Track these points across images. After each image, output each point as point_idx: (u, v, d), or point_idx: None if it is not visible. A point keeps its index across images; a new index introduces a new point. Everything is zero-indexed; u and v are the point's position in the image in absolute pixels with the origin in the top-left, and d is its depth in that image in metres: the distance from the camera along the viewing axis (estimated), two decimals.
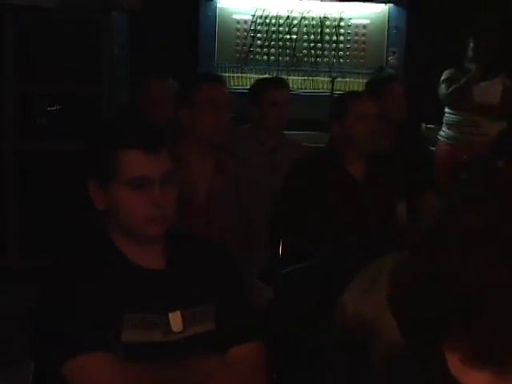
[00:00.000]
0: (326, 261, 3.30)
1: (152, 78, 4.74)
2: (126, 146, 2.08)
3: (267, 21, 6.90)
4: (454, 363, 0.98)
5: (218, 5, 6.85)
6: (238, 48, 6.91)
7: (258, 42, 6.90)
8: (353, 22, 6.95)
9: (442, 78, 5.96)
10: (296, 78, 6.89)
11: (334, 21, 6.92)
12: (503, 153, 4.41)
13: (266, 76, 6.39)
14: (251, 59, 6.91)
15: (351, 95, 4.19)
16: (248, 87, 5.17)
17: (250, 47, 6.88)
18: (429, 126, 6.46)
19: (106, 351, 2.00)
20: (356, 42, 6.95)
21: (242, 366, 2.14)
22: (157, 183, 2.08)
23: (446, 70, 5.98)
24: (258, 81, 5.09)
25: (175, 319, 2.13)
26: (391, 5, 6.86)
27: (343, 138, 3.83)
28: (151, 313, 2.10)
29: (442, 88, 5.94)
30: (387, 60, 6.87)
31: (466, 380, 0.98)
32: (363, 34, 6.94)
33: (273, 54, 6.92)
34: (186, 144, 3.28)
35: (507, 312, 0.93)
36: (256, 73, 6.80)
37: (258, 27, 6.89)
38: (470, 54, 5.92)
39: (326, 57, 6.92)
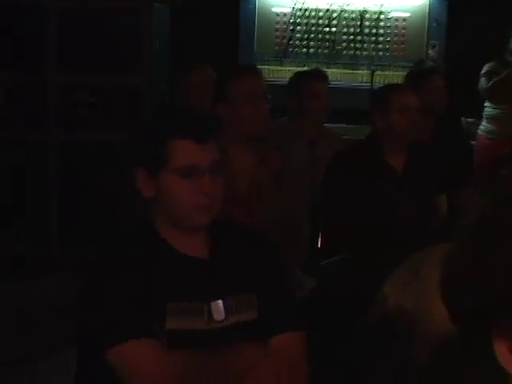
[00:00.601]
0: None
1: (192, 69, 4.76)
2: (179, 136, 2.11)
3: (307, 13, 6.91)
4: (503, 353, 0.98)
5: None
6: (278, 40, 6.92)
7: (298, 34, 6.91)
8: (393, 14, 6.93)
9: (483, 71, 5.92)
10: (335, 70, 6.88)
11: (374, 14, 6.90)
12: None
13: (306, 68, 6.39)
14: (291, 52, 6.91)
15: (393, 87, 4.16)
16: (287, 79, 5.18)
17: (290, 40, 6.89)
18: (468, 119, 6.42)
19: (151, 338, 2.02)
20: (396, 35, 6.93)
21: (283, 355, 2.14)
22: (206, 172, 2.11)
23: (487, 63, 5.93)
24: (298, 73, 5.10)
25: (217, 308, 2.14)
26: None
27: (385, 130, 3.82)
28: (194, 301, 2.11)
29: (482, 81, 5.90)
30: (427, 53, 6.85)
31: None
32: (403, 27, 6.92)
33: (312, 47, 6.93)
34: (226, 136, 3.28)
35: None
36: (295, 65, 6.81)
37: (298, 20, 6.90)
38: (511, 47, 5.87)
39: (365, 49, 6.92)
